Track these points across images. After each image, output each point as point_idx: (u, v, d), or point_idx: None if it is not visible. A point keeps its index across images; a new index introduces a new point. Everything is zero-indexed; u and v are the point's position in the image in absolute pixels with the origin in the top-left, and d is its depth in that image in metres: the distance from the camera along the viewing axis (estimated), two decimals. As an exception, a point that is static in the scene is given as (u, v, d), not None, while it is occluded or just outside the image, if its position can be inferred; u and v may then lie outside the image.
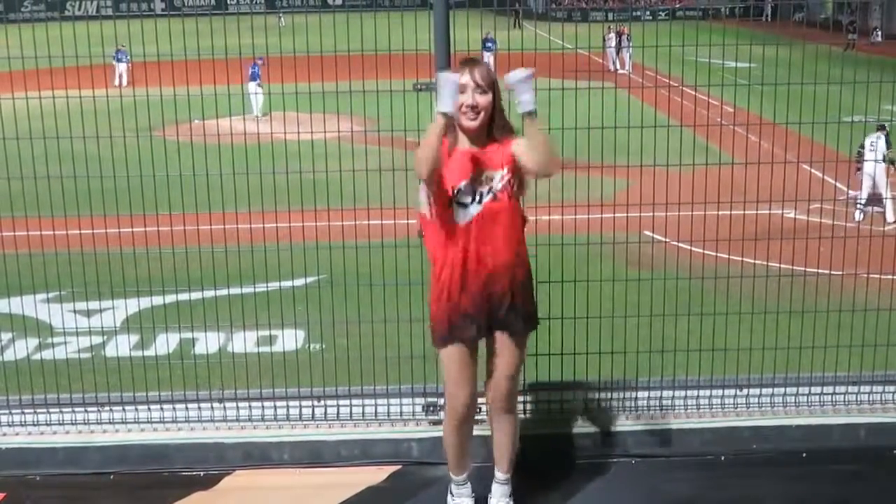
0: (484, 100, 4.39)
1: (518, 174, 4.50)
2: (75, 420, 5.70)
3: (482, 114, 4.41)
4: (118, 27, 6.36)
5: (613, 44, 37.32)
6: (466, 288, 4.50)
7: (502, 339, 4.63)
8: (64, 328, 10.39)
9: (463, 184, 4.42)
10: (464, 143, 4.49)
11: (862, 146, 17.34)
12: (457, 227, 4.44)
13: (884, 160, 16.74)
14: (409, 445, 5.54)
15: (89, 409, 5.73)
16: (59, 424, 5.69)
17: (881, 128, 17.40)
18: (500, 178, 4.45)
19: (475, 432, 4.97)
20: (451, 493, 5.00)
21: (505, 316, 4.57)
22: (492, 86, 4.43)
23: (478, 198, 4.43)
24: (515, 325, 4.61)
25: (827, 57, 6.49)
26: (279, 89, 6.60)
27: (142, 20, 6.11)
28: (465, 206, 4.43)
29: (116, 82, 32.36)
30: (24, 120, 6.08)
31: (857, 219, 16.72)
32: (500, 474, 4.92)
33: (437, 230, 4.51)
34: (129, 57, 31.27)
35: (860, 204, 17.19)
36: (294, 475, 5.45)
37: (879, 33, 47.03)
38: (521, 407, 5.60)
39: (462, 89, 4.36)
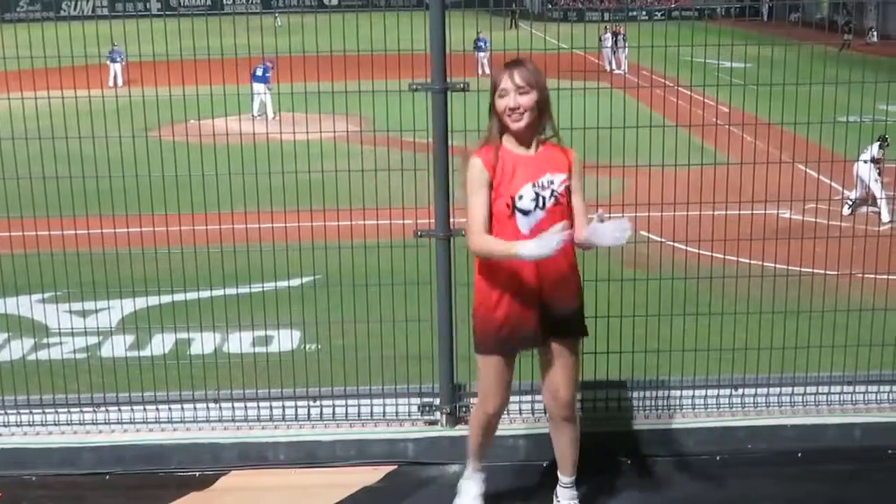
0: (526, 99, 4.35)
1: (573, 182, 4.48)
2: (71, 420, 5.70)
3: (526, 114, 4.36)
4: (114, 27, 6.35)
5: (609, 44, 37.37)
6: (533, 299, 4.43)
7: (560, 349, 4.57)
8: (59, 328, 10.40)
9: (526, 188, 4.36)
10: (514, 147, 4.44)
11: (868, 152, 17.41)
12: (521, 236, 4.34)
13: (874, 161, 16.79)
14: (405, 445, 5.55)
15: (85, 409, 5.73)
16: (55, 425, 5.69)
17: (882, 141, 17.47)
18: (560, 181, 4.42)
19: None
20: (465, 476, 4.98)
21: (567, 323, 4.54)
22: (535, 85, 4.37)
23: (541, 203, 4.37)
24: (575, 331, 4.60)
25: (822, 57, 6.50)
26: (276, 89, 6.60)
27: (137, 20, 6.12)
28: (527, 213, 4.36)
29: (111, 82, 32.33)
30: (19, 120, 6.08)
31: (844, 213, 16.78)
32: (565, 478, 4.89)
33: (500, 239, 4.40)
34: (122, 57, 31.25)
35: (849, 202, 17.24)
36: (290, 475, 5.46)
37: (875, 33, 47.11)
38: (515, 407, 5.61)
39: (504, 93, 4.35)
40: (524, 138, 4.43)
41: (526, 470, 5.36)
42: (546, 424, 5.22)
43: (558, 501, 4.91)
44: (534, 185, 4.37)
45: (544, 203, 4.37)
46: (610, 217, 4.21)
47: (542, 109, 4.42)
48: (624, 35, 36.30)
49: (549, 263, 4.33)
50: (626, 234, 4.15)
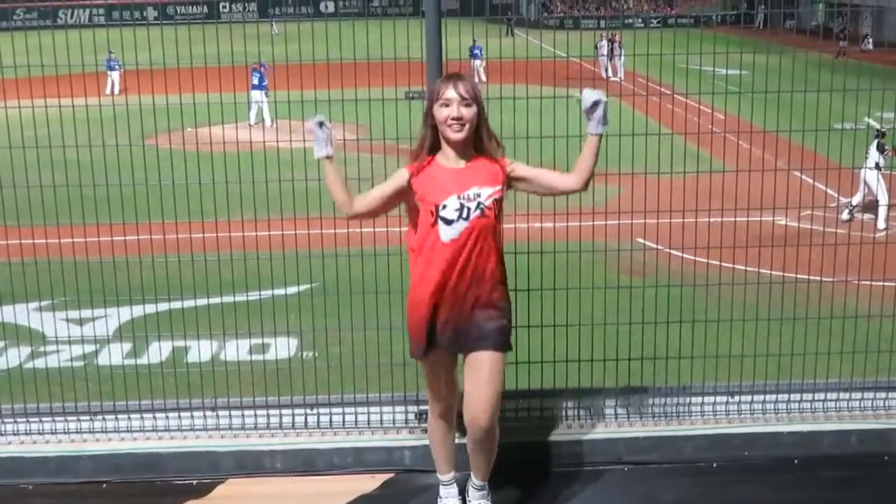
0: (469, 112, 4.44)
1: (509, 192, 4.58)
2: (68, 429, 5.69)
3: (467, 126, 4.44)
4: (111, 35, 6.35)
5: (605, 51, 37.41)
6: (445, 304, 4.49)
7: (481, 358, 4.52)
8: (56, 337, 10.39)
9: (450, 199, 4.43)
10: (449, 158, 4.52)
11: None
12: (443, 244, 4.43)
13: (876, 167, 16.78)
14: (402, 453, 5.55)
15: (82, 417, 5.72)
16: (52, 433, 5.69)
17: (879, 135, 17.46)
18: (488, 194, 4.46)
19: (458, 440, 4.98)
20: (439, 495, 5.03)
21: (482, 332, 4.52)
22: (476, 99, 4.47)
23: (465, 214, 4.43)
24: (492, 341, 4.54)
25: (817, 64, 6.51)
26: (273, 97, 6.61)
27: (134, 28, 6.12)
28: (450, 222, 4.43)
29: (108, 90, 32.32)
30: (16, 128, 6.08)
31: (843, 218, 16.81)
32: (478, 481, 4.88)
33: (421, 247, 4.51)
34: (120, 64, 31.25)
35: (849, 206, 17.26)
36: (287, 483, 5.45)
37: (870, 41, 47.16)
38: (513, 414, 5.62)
39: (447, 103, 4.42)
40: (459, 150, 4.51)
41: (511, 476, 5.36)
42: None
43: (470, 501, 4.93)
44: (459, 197, 4.44)
45: (468, 214, 4.43)
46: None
47: (479, 125, 4.50)
48: (620, 42, 36.38)
49: (476, 272, 4.47)
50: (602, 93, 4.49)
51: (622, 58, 35.22)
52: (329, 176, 4.52)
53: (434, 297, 4.49)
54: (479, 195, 4.45)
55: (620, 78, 33.60)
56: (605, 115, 4.54)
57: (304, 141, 6.16)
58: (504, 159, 4.59)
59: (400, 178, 4.52)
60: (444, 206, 4.42)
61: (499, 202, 4.50)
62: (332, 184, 4.52)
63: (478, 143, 4.53)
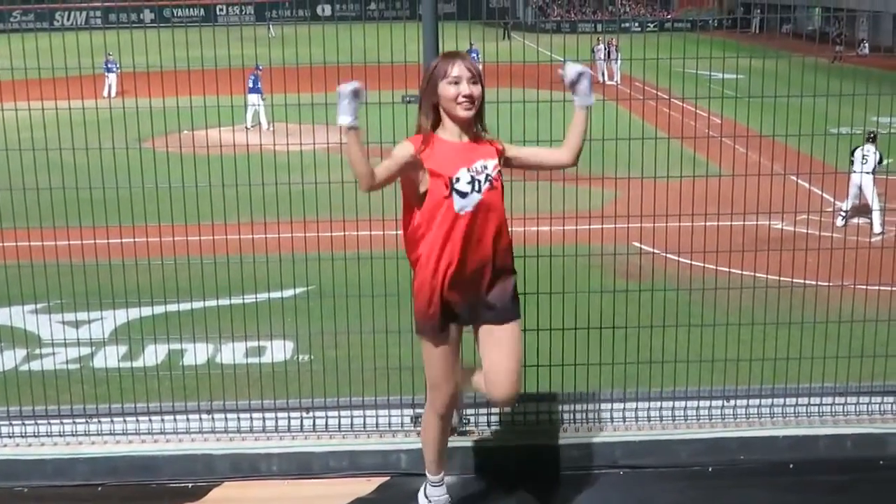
0: (476, 90, 4.47)
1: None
2: (63, 432, 5.69)
3: (476, 103, 4.47)
4: (108, 38, 6.36)
5: (603, 55, 37.46)
6: (463, 276, 4.49)
7: (503, 329, 4.59)
8: (52, 339, 10.36)
9: (461, 172, 4.44)
10: (453, 134, 4.52)
11: (853, 155, 17.47)
12: (457, 216, 4.43)
13: (873, 172, 16.82)
14: (398, 457, 5.54)
15: (77, 420, 5.72)
16: (48, 436, 5.68)
17: (871, 139, 17.51)
18: (493, 166, 4.51)
19: (450, 444, 4.98)
20: (424, 493, 5.02)
21: (501, 302, 4.58)
22: (481, 77, 4.51)
23: (476, 186, 4.45)
24: (511, 311, 4.62)
25: (814, 68, 6.53)
26: (269, 100, 6.62)
27: (131, 31, 6.12)
28: (464, 195, 4.43)
29: (105, 93, 32.30)
30: (13, 131, 6.08)
31: (838, 224, 16.84)
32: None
33: (431, 222, 4.47)
34: (118, 67, 31.24)
35: (843, 212, 17.29)
36: (282, 486, 5.45)
37: (866, 45, 47.27)
38: (508, 418, 5.62)
39: (457, 80, 4.43)
40: (463, 128, 4.53)
41: (496, 481, 5.36)
42: (544, 435, 5.25)
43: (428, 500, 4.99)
44: (468, 170, 4.45)
45: (479, 187, 4.46)
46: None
47: (481, 105, 4.54)
48: (617, 46, 36.44)
49: (495, 242, 4.49)
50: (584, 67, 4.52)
51: (619, 62, 35.26)
52: (353, 147, 4.32)
53: (452, 271, 4.47)
54: (485, 167, 4.49)
55: (617, 82, 33.65)
56: (590, 88, 4.61)
57: (299, 144, 6.18)
58: (497, 141, 4.64)
59: (404, 151, 4.44)
60: (458, 179, 4.42)
61: (501, 174, 4.56)
62: (356, 154, 4.32)
63: (477, 122, 4.56)
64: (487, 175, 4.48)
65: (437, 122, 4.53)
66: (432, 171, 4.44)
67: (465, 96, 4.44)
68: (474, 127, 4.56)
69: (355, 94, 4.30)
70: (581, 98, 4.63)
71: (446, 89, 4.45)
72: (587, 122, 4.64)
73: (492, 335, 4.61)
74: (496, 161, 4.54)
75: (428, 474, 5.00)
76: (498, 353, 4.59)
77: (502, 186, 4.56)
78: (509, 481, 5.22)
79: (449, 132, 4.53)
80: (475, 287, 4.54)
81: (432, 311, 4.54)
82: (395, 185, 5.43)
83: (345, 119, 4.30)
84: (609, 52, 37.36)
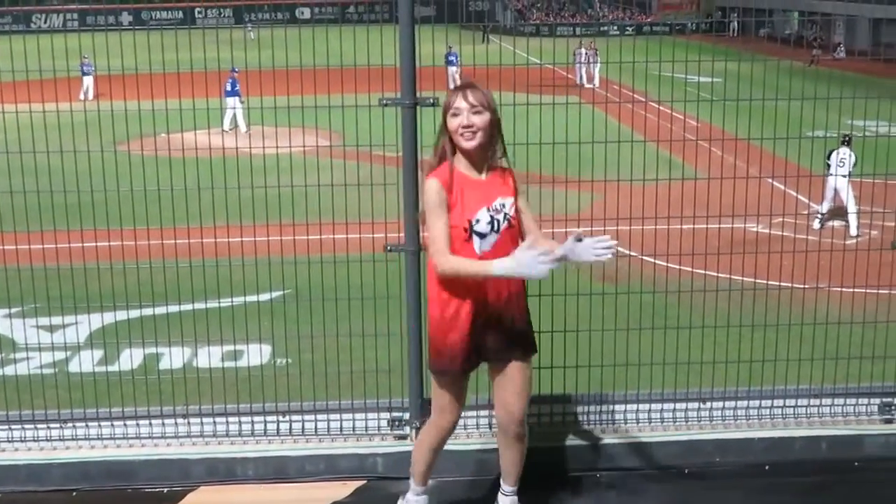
0: (479, 119, 4.40)
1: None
2: (38, 437, 5.64)
3: (479, 133, 4.40)
4: (84, 40, 6.33)
5: (583, 58, 37.52)
6: (487, 317, 4.50)
7: (513, 365, 4.64)
8: (27, 343, 10.31)
9: (481, 212, 4.42)
10: (466, 169, 4.48)
11: (829, 158, 17.56)
12: (475, 256, 4.41)
13: (848, 175, 16.92)
14: (375, 460, 5.54)
15: (52, 425, 5.68)
16: (22, 441, 5.64)
17: (846, 142, 17.60)
18: (510, 204, 4.50)
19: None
20: (405, 499, 5.00)
21: (517, 340, 4.60)
22: (488, 106, 4.43)
23: (496, 226, 4.44)
24: (525, 349, 4.66)
25: (789, 72, 6.56)
26: (247, 103, 6.60)
27: (106, 33, 6.09)
28: (483, 236, 4.42)
29: (82, 95, 32.12)
30: (-12, 133, 6.03)
31: (815, 227, 16.93)
32: (508, 487, 4.94)
33: None
34: (94, 69, 31.07)
35: (819, 215, 17.38)
36: (259, 491, 5.43)
37: (842, 49, 47.57)
38: (485, 422, 5.62)
39: (457, 112, 4.40)
40: (475, 160, 4.48)
41: (476, 484, 5.37)
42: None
43: None
44: (488, 210, 4.44)
45: (498, 226, 4.45)
46: (590, 233, 4.27)
47: (493, 132, 4.47)
48: (596, 51, 36.52)
49: (503, 281, 4.42)
50: (609, 249, 4.21)
51: (597, 65, 35.35)
52: (478, 275, 4.36)
53: (475, 312, 4.48)
54: (503, 205, 4.48)
55: (595, 85, 33.70)
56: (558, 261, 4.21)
57: (276, 147, 6.17)
58: (511, 173, 4.59)
59: (440, 195, 4.40)
60: (478, 221, 4.42)
61: (518, 211, 4.54)
62: (471, 275, 4.37)
63: (492, 153, 4.51)
64: (506, 214, 4.47)
65: (454, 152, 4.49)
66: (453, 210, 4.42)
67: (464, 127, 4.39)
68: (488, 156, 4.50)
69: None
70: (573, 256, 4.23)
71: (451, 121, 4.43)
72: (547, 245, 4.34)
73: (507, 370, 4.65)
74: (513, 199, 4.52)
75: (413, 483, 4.98)
76: (511, 389, 4.67)
77: (519, 223, 4.54)
78: (486, 485, 5.21)
79: (464, 165, 4.49)
80: (499, 325, 4.53)
81: (455, 350, 4.53)
82: (371, 189, 5.43)
83: (507, 272, 4.23)
84: (588, 56, 37.41)
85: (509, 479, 4.93)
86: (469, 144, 4.42)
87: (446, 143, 4.50)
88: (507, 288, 4.49)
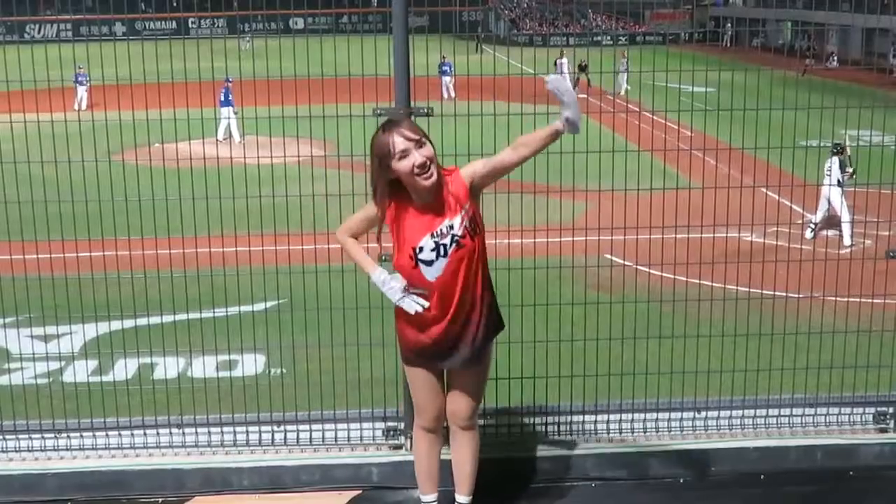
0: (427, 151, 4.26)
1: (477, 198, 4.48)
2: (32, 447, 5.63)
3: (432, 166, 4.26)
4: (78, 51, 6.33)
5: (566, 69, 37.53)
6: (442, 332, 4.50)
7: (469, 373, 4.68)
8: (21, 353, 10.29)
9: (425, 240, 4.35)
10: (420, 195, 4.36)
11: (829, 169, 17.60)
12: (427, 283, 4.40)
13: (839, 184, 16.94)
14: (370, 470, 5.53)
15: (46, 435, 5.67)
16: (16, 451, 5.62)
17: (840, 151, 17.63)
18: (458, 223, 4.36)
19: (442, 456, 4.97)
20: None
21: (472, 349, 4.58)
22: (423, 132, 4.30)
23: (442, 251, 4.34)
24: (480, 357, 4.64)
25: (782, 81, 6.58)
26: (241, 113, 6.60)
27: (101, 44, 6.09)
28: (430, 263, 4.36)
29: (76, 106, 32.06)
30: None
31: (807, 237, 16.95)
32: (463, 498, 4.90)
33: (410, 284, 4.46)
34: (88, 79, 31.01)
35: (812, 225, 17.40)
36: (254, 501, 5.42)
37: (835, 58, 47.70)
38: (480, 430, 5.61)
39: (404, 154, 4.21)
40: (430, 190, 4.31)
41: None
42: (516, 448, 5.25)
43: None
44: (433, 236, 4.35)
45: (445, 251, 4.35)
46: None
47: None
48: (583, 64, 36.51)
49: (464, 298, 4.44)
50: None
51: (626, 74, 35.37)
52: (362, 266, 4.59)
53: (431, 330, 4.50)
54: (451, 227, 4.35)
55: (625, 90, 33.65)
56: (577, 123, 4.15)
57: (271, 157, 6.17)
58: (457, 172, 4.42)
59: (375, 213, 4.46)
60: (421, 249, 4.35)
61: (472, 220, 4.39)
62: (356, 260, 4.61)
63: (438, 175, 4.33)
64: (453, 236, 4.34)
65: (396, 192, 4.37)
66: (396, 236, 4.42)
67: (419, 166, 4.21)
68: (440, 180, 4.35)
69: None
70: (570, 122, 4.16)
71: (400, 164, 4.23)
72: (552, 141, 4.27)
73: (461, 374, 4.68)
74: (464, 211, 4.35)
75: (420, 495, 4.97)
76: (461, 389, 4.71)
77: (472, 232, 4.38)
78: (481, 494, 5.20)
79: (417, 193, 4.36)
80: (457, 337, 4.53)
81: (415, 353, 4.61)
82: (366, 199, 5.43)
83: (379, 288, 4.46)
84: (583, 67, 37.42)
85: (463, 486, 4.89)
86: (430, 182, 4.26)
87: (385, 188, 4.33)
88: (468, 298, 4.46)
